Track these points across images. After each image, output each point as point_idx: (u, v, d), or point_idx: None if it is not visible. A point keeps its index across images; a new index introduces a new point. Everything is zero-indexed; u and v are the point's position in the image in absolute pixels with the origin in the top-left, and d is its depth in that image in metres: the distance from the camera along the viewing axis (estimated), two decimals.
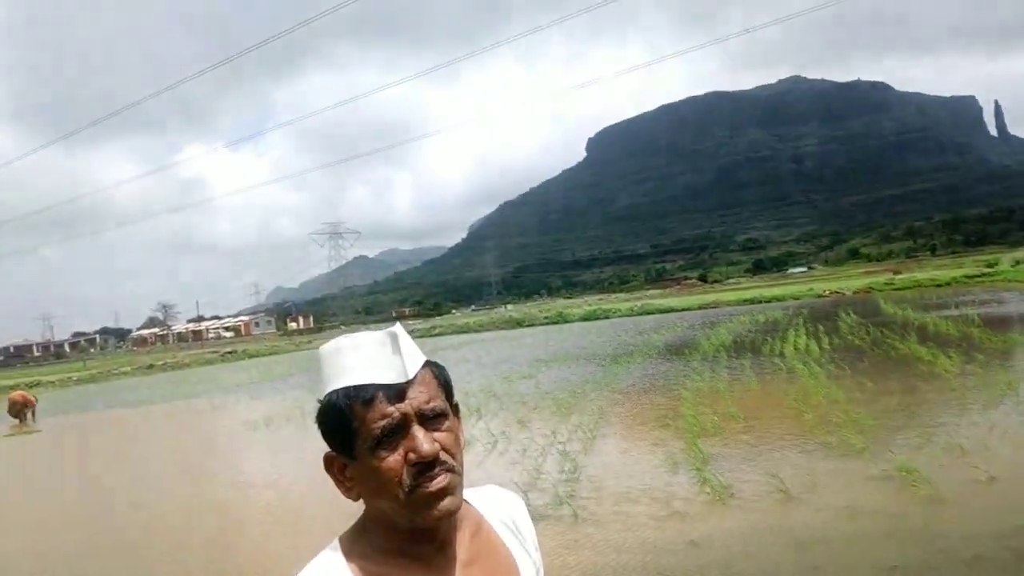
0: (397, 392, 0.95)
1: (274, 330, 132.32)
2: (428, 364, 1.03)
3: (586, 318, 42.93)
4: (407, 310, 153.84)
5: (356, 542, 1.00)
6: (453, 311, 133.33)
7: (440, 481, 0.93)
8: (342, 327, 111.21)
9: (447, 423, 0.99)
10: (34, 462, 13.62)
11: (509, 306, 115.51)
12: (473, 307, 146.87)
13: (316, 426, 1.00)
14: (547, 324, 43.27)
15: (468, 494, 1.08)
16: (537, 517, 5.84)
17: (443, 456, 0.95)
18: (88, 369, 54.19)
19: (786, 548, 4.68)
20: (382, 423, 0.93)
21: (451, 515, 0.96)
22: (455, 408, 1.05)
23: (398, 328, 1.02)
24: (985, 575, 4.02)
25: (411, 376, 0.97)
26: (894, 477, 5.73)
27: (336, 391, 0.97)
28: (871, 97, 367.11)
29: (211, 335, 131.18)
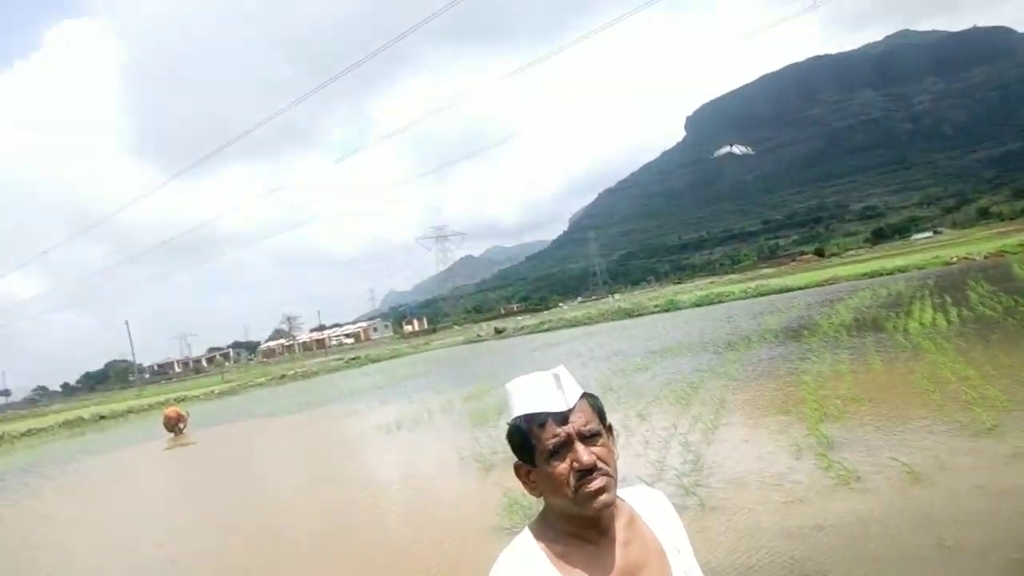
0: (562, 418, 1.36)
1: (391, 333, 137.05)
2: (585, 395, 1.43)
3: (698, 304, 42.29)
4: (515, 306, 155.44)
5: (541, 528, 1.41)
6: (560, 304, 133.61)
7: (597, 483, 1.33)
8: (455, 327, 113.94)
9: (601, 440, 1.39)
10: (193, 472, 15.02)
11: (616, 295, 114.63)
12: (580, 299, 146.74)
13: (506, 442, 1.43)
14: (658, 312, 42.91)
15: (623, 492, 1.48)
16: None
17: (599, 464, 1.34)
18: (227, 382, 58.15)
19: (916, 530, 4.77)
20: (553, 441, 1.34)
21: (607, 508, 1.35)
22: (609, 428, 1.44)
23: (561, 369, 1.44)
24: None
25: (571, 405, 1.37)
26: None
27: (519, 417, 1.39)
28: (990, 43, 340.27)
29: (333, 342, 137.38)
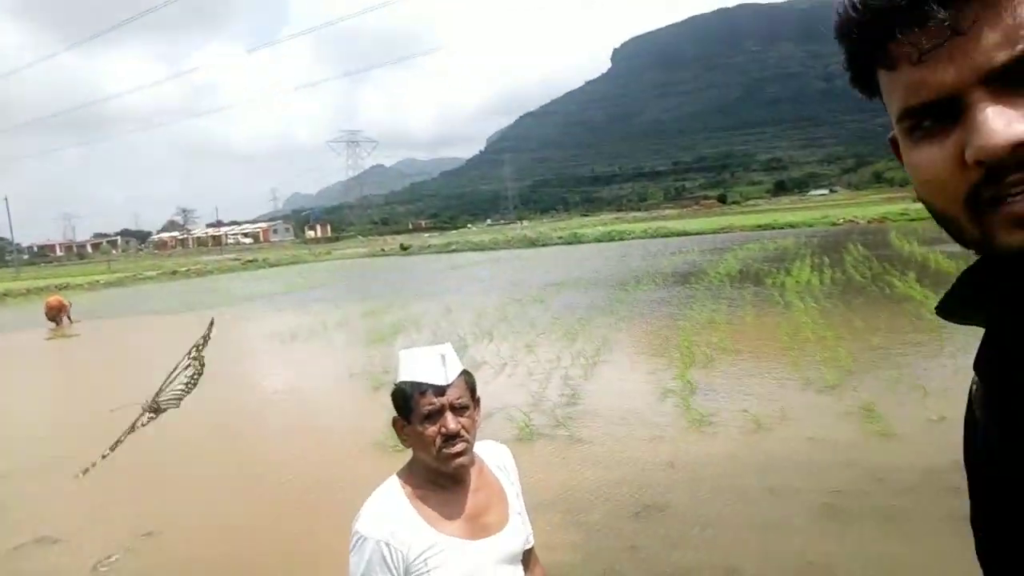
0: (440, 390, 1.65)
1: (292, 237, 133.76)
2: (463, 373, 1.72)
3: (600, 239, 43.41)
4: (424, 222, 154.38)
5: (407, 475, 1.72)
6: (469, 225, 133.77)
7: (457, 447, 1.64)
8: (359, 237, 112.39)
9: (468, 412, 1.69)
10: (73, 366, 14.66)
11: (525, 222, 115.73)
12: (489, 222, 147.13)
13: (390, 399, 1.70)
14: (561, 244, 43.83)
15: (476, 446, 1.78)
16: (536, 436, 6.64)
17: (463, 432, 1.65)
18: (113, 272, 55.68)
19: (750, 472, 5.42)
20: (428, 407, 1.63)
21: (463, 468, 1.68)
22: (476, 401, 1.75)
23: (447, 348, 1.73)
24: (912, 503, 4.73)
25: (450, 381, 1.67)
26: (856, 413, 6.43)
27: (405, 381, 1.68)
28: None
29: (230, 240, 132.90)
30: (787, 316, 11.47)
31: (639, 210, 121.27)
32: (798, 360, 8.49)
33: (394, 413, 1.70)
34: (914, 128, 0.56)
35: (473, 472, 1.74)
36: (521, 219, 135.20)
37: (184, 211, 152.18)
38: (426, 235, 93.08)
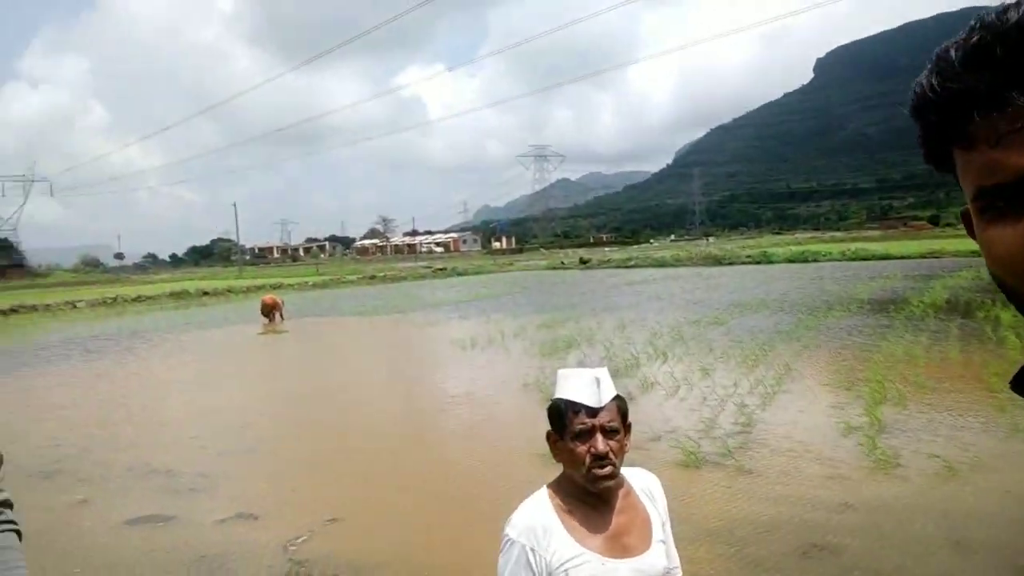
0: (593, 411, 1.76)
1: (479, 248, 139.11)
2: (616, 398, 1.82)
3: (791, 260, 41.19)
4: (605, 236, 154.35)
5: (557, 487, 1.85)
6: (651, 240, 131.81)
7: (605, 470, 1.74)
8: (542, 249, 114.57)
9: (618, 437, 1.79)
10: (282, 360, 16.28)
11: (711, 238, 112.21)
12: (672, 237, 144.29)
13: (546, 414, 1.83)
14: (749, 263, 42.09)
15: (624, 471, 1.88)
16: (703, 464, 6.50)
17: (610, 455, 1.75)
18: (321, 274, 60.92)
19: (937, 522, 4.99)
20: (580, 426, 1.76)
21: (609, 488, 1.78)
22: (627, 427, 1.84)
23: (603, 372, 1.84)
24: None
25: (603, 404, 1.78)
26: None
27: (561, 399, 1.81)
28: None
29: (423, 248, 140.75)
30: (998, 354, 10.33)
31: (838, 229, 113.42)
32: (1005, 404, 7.64)
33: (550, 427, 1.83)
34: (987, 208, 0.58)
35: (620, 494, 1.83)
36: (707, 235, 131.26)
37: (384, 220, 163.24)
38: (607, 249, 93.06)
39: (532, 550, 1.73)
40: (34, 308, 35.29)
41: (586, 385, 1.78)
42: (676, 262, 47.22)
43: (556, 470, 1.84)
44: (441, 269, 59.55)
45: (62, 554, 5.23)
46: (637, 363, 11.29)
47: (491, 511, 5.18)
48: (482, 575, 4.14)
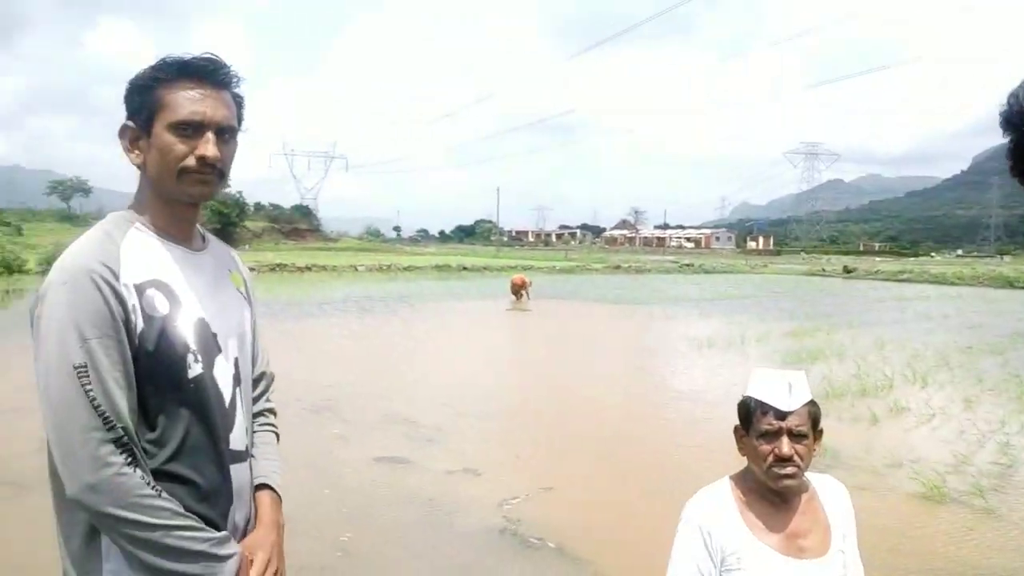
0: (781, 414, 1.79)
1: (733, 246, 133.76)
2: (809, 403, 1.83)
3: None
4: (877, 245, 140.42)
5: (740, 479, 1.92)
6: (932, 254, 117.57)
7: (787, 471, 1.78)
8: (802, 253, 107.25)
9: (806, 441, 1.80)
10: (523, 337, 17.16)
11: (1006, 257, 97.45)
12: (959, 252, 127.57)
13: (736, 409, 1.88)
14: None
15: (813, 476, 1.92)
16: (946, 500, 5.89)
17: (795, 458, 1.78)
18: (568, 260, 62.79)
19: None
20: (766, 426, 1.80)
21: (790, 489, 1.81)
22: (818, 433, 1.85)
23: (797, 376, 1.85)
24: None
25: (793, 408, 1.80)
26: None
27: (752, 397, 1.85)
28: None
29: (673, 243, 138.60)
30: None
31: None
32: None
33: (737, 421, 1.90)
34: None
35: (803, 497, 1.86)
36: (1002, 253, 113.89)
37: (636, 211, 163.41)
38: (877, 259, 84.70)
39: (709, 533, 1.81)
40: (324, 268, 41.06)
41: (778, 386, 1.80)
42: (958, 280, 41.85)
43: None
44: (688, 265, 58.41)
45: (319, 475, 6.13)
46: (890, 384, 10.37)
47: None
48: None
